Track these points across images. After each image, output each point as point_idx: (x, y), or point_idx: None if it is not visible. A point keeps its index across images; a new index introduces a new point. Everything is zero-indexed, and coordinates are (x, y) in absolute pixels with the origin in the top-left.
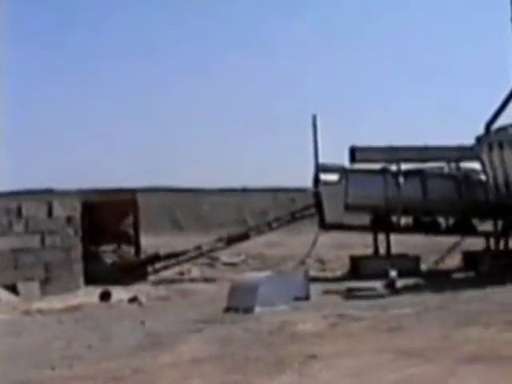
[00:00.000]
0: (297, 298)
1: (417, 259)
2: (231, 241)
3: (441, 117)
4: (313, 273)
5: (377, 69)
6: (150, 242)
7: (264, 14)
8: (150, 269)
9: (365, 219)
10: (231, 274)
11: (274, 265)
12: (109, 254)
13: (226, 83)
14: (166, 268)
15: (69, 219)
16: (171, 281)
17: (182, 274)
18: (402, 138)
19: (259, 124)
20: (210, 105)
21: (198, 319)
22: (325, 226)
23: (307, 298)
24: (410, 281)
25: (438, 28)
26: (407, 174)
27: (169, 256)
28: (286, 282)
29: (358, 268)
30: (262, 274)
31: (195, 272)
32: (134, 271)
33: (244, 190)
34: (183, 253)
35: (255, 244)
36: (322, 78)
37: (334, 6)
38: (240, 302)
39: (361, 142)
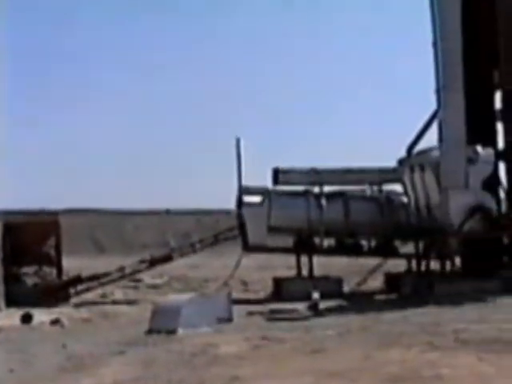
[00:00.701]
0: (220, 320)
1: (339, 281)
2: (154, 262)
3: (363, 139)
4: (236, 295)
5: (301, 90)
6: (72, 264)
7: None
8: (72, 291)
9: (288, 241)
10: (154, 295)
11: (197, 287)
12: (30, 275)
13: (150, 104)
14: (88, 290)
15: None
16: (93, 303)
17: (104, 296)
18: (325, 160)
19: (182, 146)
20: (132, 127)
21: (121, 341)
22: (248, 247)
23: (230, 319)
24: (333, 302)
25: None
26: (330, 196)
27: (91, 278)
28: (209, 304)
29: (281, 290)
30: (185, 296)
31: (118, 294)
32: (55, 293)
33: (167, 212)
34: (106, 275)
35: (178, 266)
36: (247, 99)
37: (260, 26)
38: (163, 324)
39: (284, 164)
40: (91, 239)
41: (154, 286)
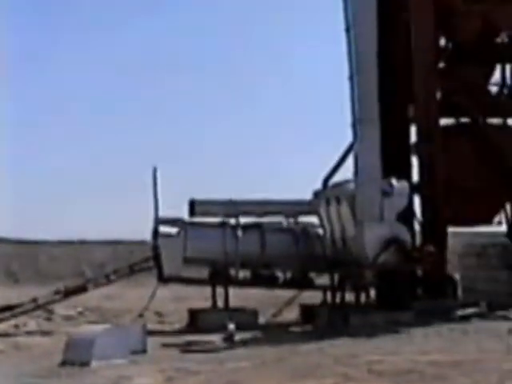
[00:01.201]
0: (134, 352)
1: (255, 313)
2: (68, 293)
3: (280, 171)
4: (151, 326)
5: (221, 122)
6: None
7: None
8: None
9: (204, 272)
10: (68, 327)
11: (112, 318)
12: None
13: (63, 133)
14: (0, 321)
15: None
16: (6, 334)
17: (17, 327)
18: (243, 192)
19: (98, 174)
20: (45, 154)
21: (34, 373)
22: (163, 278)
23: (145, 351)
24: (248, 334)
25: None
26: (246, 227)
27: (3, 309)
28: (124, 336)
29: (196, 321)
30: (99, 328)
31: (31, 325)
32: None
33: (82, 242)
34: (19, 305)
35: (93, 297)
36: (163, 128)
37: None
38: (76, 356)
39: (201, 195)
40: (5, 269)
41: (68, 317)
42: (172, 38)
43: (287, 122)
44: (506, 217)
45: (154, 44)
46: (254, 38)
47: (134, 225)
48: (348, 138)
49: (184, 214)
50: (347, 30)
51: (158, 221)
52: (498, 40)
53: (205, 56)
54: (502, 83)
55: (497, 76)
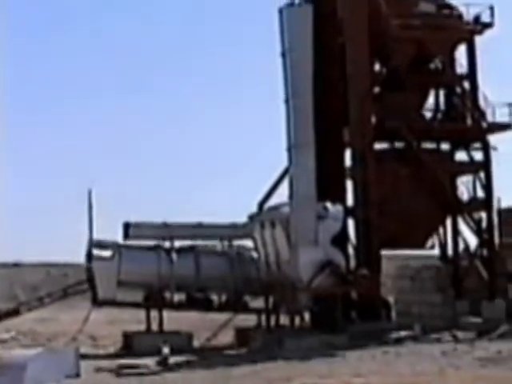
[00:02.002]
0: (68, 376)
1: (190, 336)
2: (1, 317)
3: (215, 194)
4: (85, 349)
5: (156, 146)
6: None
7: None
8: None
9: (138, 295)
10: (1, 350)
11: (46, 341)
12: None
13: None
14: None
15: None
16: None
17: None
18: (177, 215)
19: (32, 197)
20: None
21: None
22: (97, 302)
23: (78, 375)
24: (183, 357)
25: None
26: (180, 250)
27: None
28: (57, 360)
29: (131, 344)
30: (32, 352)
31: None
32: None
33: (16, 265)
34: None
35: (26, 320)
36: (99, 152)
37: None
38: (8, 381)
39: (136, 219)
40: None
41: (1, 341)
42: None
43: (223, 146)
44: (439, 240)
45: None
46: (185, 63)
47: (68, 247)
48: (283, 162)
49: (118, 236)
50: (283, 55)
51: (92, 243)
52: (432, 66)
53: (139, 80)
54: (436, 108)
55: (431, 101)
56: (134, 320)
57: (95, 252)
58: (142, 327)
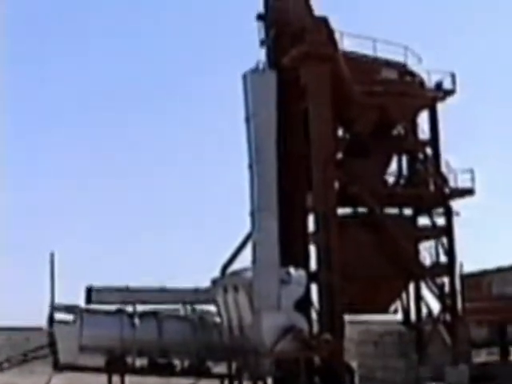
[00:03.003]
0: None
1: None
2: None
3: (178, 258)
4: None
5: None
6: None
7: None
8: None
9: (100, 360)
10: None
11: None
12: None
13: None
14: None
15: None
16: None
17: None
18: (140, 279)
19: None
20: None
21: None
22: (59, 366)
23: None
24: None
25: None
26: (143, 315)
27: None
28: None
29: None
30: None
31: None
32: None
33: None
34: None
35: None
36: (60, 211)
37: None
38: None
39: (99, 283)
40: None
41: None
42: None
43: (186, 209)
44: (402, 305)
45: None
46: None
47: (30, 311)
48: (247, 226)
49: (81, 301)
50: (247, 120)
51: (54, 307)
52: (395, 132)
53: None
54: (399, 174)
55: (393, 167)
56: None
57: (57, 316)
58: None
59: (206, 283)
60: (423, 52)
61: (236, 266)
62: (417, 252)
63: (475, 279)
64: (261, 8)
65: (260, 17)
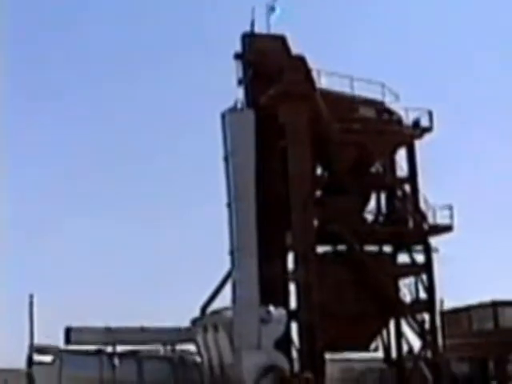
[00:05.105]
0: None
1: None
2: None
3: (158, 298)
4: None
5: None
6: None
7: None
8: None
9: None
10: None
11: None
12: None
13: None
14: None
15: None
16: None
17: None
18: (119, 319)
19: None
20: None
21: None
22: None
23: None
24: None
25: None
26: (123, 355)
27: None
28: None
29: None
30: None
31: None
32: None
33: None
34: None
35: None
36: (39, 256)
37: None
38: None
39: (78, 323)
40: None
41: None
42: None
43: (165, 249)
44: (383, 342)
45: None
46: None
47: (8, 353)
48: (226, 265)
49: (60, 341)
50: (226, 159)
51: (33, 348)
52: (373, 169)
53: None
54: (377, 211)
55: (372, 204)
56: None
57: (36, 357)
58: None
59: (185, 323)
60: (400, 89)
61: (216, 305)
62: (397, 289)
63: (455, 315)
64: (238, 47)
65: (237, 56)
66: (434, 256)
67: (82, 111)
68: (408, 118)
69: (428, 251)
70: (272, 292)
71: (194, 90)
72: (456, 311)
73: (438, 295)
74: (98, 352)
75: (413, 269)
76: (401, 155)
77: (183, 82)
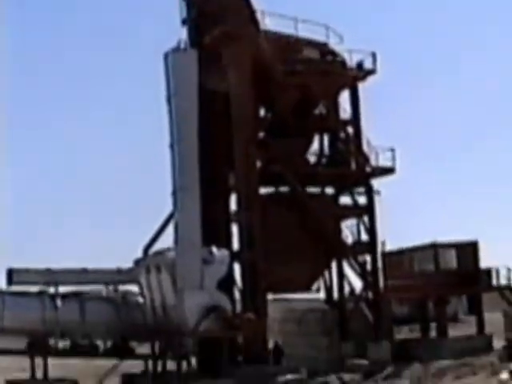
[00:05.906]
0: None
1: (75, 383)
2: None
3: (101, 239)
4: None
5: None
6: None
7: None
8: None
9: (22, 342)
10: None
11: None
12: None
13: None
14: None
15: None
16: None
17: None
18: (63, 261)
19: None
20: None
21: None
22: None
23: None
24: None
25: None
26: (65, 296)
27: None
28: None
29: None
30: None
31: None
32: None
33: None
34: None
35: None
36: None
37: None
38: None
39: (20, 264)
40: None
41: None
42: None
43: (108, 190)
44: (325, 283)
45: None
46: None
47: None
48: (168, 206)
49: (1, 283)
50: (168, 100)
51: None
52: (316, 111)
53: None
54: (320, 153)
55: (315, 146)
56: (18, 368)
57: None
58: (27, 375)
59: (128, 264)
60: (345, 31)
61: (158, 246)
62: (339, 230)
63: (396, 257)
64: None
65: None
66: (376, 198)
67: None
68: (352, 61)
69: (370, 193)
70: (215, 233)
71: (136, 31)
72: (397, 253)
73: (380, 237)
74: (40, 293)
75: (355, 210)
76: (344, 97)
77: (126, 23)
